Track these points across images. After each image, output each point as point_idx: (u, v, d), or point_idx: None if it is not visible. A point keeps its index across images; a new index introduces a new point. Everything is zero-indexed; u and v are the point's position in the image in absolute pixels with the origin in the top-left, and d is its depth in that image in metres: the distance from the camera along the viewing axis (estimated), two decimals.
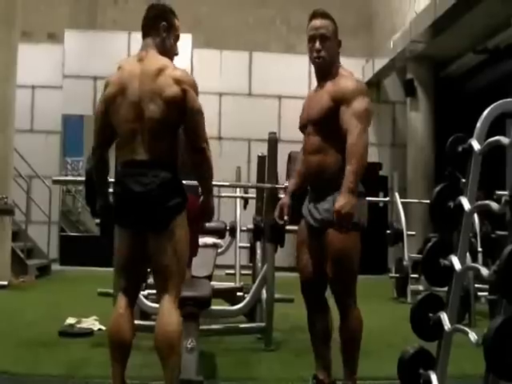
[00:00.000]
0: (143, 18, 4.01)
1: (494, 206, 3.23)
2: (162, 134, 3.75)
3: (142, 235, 3.75)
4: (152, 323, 5.77)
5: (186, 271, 3.89)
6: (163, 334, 3.62)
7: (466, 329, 3.24)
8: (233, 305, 6.00)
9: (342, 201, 3.83)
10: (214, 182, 7.36)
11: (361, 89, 4.15)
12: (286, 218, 4.40)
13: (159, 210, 3.68)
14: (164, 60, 3.87)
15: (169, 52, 3.98)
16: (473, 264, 4.81)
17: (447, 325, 3.36)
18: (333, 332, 4.22)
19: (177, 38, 4.03)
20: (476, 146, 3.39)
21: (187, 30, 14.86)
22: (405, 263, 9.42)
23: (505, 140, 3.22)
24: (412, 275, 9.23)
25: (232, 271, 8.05)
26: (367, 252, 6.16)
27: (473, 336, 3.09)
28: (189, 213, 5.75)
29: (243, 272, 8.04)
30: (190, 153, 3.85)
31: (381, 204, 13.22)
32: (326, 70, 4.22)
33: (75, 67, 14.75)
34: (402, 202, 10.13)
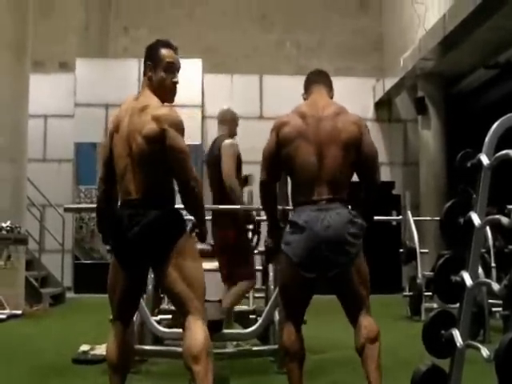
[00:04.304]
0: None
1: (504, 220, 3.20)
2: (148, 171, 3.78)
3: (137, 271, 3.85)
4: (163, 348, 5.83)
5: (203, 294, 3.87)
6: (188, 346, 3.61)
7: (478, 344, 3.21)
8: (246, 328, 5.96)
9: None
10: (227, 206, 7.39)
11: None
12: None
13: (155, 245, 3.72)
14: (150, 99, 3.90)
15: (161, 86, 3.97)
16: (484, 279, 4.78)
17: (459, 341, 3.33)
18: None
19: (168, 66, 3.99)
20: (485, 160, 3.37)
21: (197, 55, 14.97)
22: (418, 281, 9.34)
23: None
24: (426, 293, 9.15)
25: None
26: (381, 271, 6.28)
27: (485, 351, 3.06)
28: (225, 245, 6.17)
29: (257, 295, 7.99)
30: (179, 190, 3.88)
31: (394, 223, 13.18)
32: None
33: (87, 95, 14.80)
34: (415, 220, 10.08)
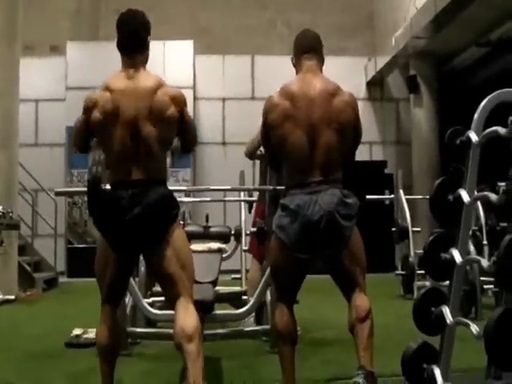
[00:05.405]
0: (124, 30, 3.92)
1: (493, 196, 3.19)
2: (157, 152, 3.79)
3: (130, 254, 3.85)
4: (156, 330, 5.84)
5: (193, 277, 3.88)
6: (182, 326, 3.61)
7: (468, 321, 3.21)
8: (238, 309, 5.96)
9: None
10: (218, 187, 7.40)
11: None
12: None
13: (156, 225, 3.71)
14: (156, 77, 3.88)
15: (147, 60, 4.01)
16: (473, 256, 4.77)
17: (449, 318, 3.33)
18: None
19: None
20: (474, 137, 3.36)
21: (189, 36, 14.89)
22: (411, 260, 9.39)
23: (502, 130, 3.18)
24: (418, 271, 9.17)
25: (238, 276, 8.00)
26: (374, 250, 6.29)
27: (474, 328, 3.06)
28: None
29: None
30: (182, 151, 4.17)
31: (387, 202, 13.15)
32: None
33: (78, 79, 14.65)
34: (407, 199, 10.09)
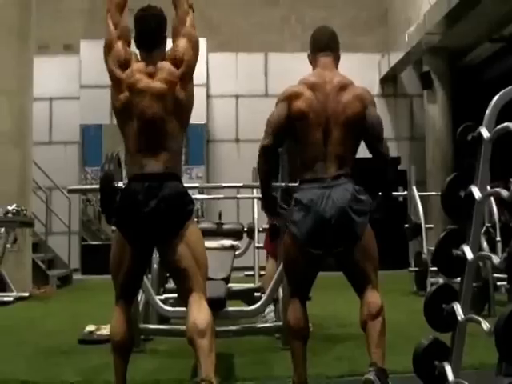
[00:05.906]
0: (143, 27, 3.92)
1: (504, 193, 3.18)
2: (173, 146, 3.82)
3: (146, 248, 3.85)
4: (169, 327, 5.86)
5: (206, 273, 3.88)
6: (194, 321, 3.61)
7: (479, 318, 3.20)
8: (251, 305, 5.97)
9: None
10: (231, 184, 7.40)
11: None
12: None
13: (172, 219, 3.73)
14: (170, 67, 3.88)
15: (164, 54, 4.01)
16: (484, 253, 4.75)
17: (460, 315, 3.33)
18: None
19: None
20: (485, 133, 3.35)
21: (201, 34, 14.84)
22: (424, 256, 9.36)
23: None
24: (431, 268, 9.10)
25: (251, 272, 8.01)
26: (387, 247, 6.30)
27: (485, 325, 3.05)
28: None
29: (262, 273, 8.01)
30: None
31: (400, 198, 13.11)
32: None
33: (92, 77, 14.65)
34: (421, 196, 10.08)
